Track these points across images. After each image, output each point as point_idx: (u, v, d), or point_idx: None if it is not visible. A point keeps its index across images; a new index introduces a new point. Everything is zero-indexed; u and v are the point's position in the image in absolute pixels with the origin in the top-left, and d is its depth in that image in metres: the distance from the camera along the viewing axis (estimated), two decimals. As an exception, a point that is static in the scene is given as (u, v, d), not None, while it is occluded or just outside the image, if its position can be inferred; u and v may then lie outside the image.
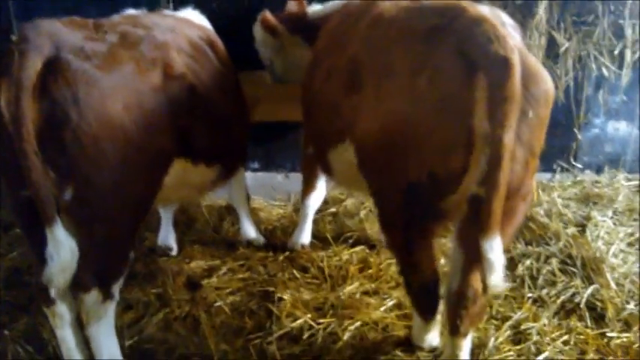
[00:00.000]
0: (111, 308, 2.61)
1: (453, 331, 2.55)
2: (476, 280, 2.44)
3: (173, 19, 3.25)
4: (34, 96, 2.21)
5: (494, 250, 2.15)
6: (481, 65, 2.11)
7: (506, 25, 2.37)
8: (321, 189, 3.95)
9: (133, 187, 2.55)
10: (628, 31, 4.48)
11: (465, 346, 2.61)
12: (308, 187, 3.92)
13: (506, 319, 3.10)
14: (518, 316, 3.11)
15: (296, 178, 4.80)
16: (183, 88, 2.78)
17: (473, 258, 2.33)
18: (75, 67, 2.32)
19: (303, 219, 4.00)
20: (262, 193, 4.71)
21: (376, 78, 2.45)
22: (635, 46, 4.54)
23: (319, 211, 4.48)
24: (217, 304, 3.26)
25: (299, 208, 4.58)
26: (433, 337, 2.87)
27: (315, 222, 4.33)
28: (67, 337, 2.61)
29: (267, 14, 3.85)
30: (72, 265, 2.26)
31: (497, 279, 2.17)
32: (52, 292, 2.51)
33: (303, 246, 3.97)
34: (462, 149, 2.19)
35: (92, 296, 2.50)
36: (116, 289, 2.61)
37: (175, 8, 4.15)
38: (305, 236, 4.00)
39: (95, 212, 2.43)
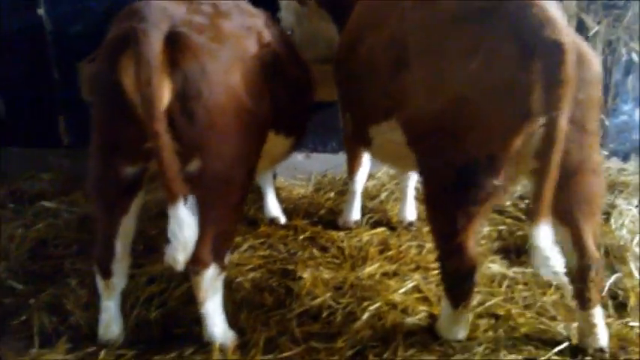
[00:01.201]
0: (221, 281, 2.68)
1: (584, 304, 2.58)
2: (592, 249, 2.50)
3: None
4: (165, 72, 2.24)
5: (542, 238, 2.17)
6: (536, 49, 2.14)
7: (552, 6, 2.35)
8: (366, 164, 3.94)
9: (250, 155, 2.64)
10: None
11: (599, 314, 2.62)
12: (354, 163, 3.90)
13: (528, 306, 3.08)
14: (541, 302, 3.09)
15: (317, 158, 4.85)
16: (270, 56, 2.81)
17: (577, 229, 2.43)
18: (196, 40, 2.35)
19: (352, 196, 3.99)
20: (283, 172, 4.72)
21: (425, 58, 2.45)
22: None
23: (340, 192, 4.50)
24: (238, 279, 3.29)
25: (319, 188, 4.62)
26: (460, 330, 2.81)
27: (335, 202, 4.35)
28: (112, 307, 2.74)
29: None
30: (193, 242, 2.29)
31: (546, 270, 2.20)
32: (112, 266, 2.63)
33: (356, 223, 3.97)
34: (519, 130, 2.24)
35: (211, 271, 2.56)
36: (227, 260, 2.68)
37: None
38: (356, 213, 4.00)
39: (221, 182, 2.49)
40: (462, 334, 2.81)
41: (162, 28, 2.26)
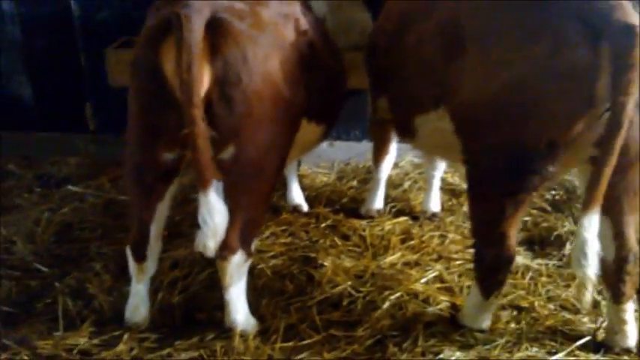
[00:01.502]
0: (247, 267, 2.71)
1: (618, 298, 2.55)
2: (633, 241, 2.47)
3: None
4: (206, 58, 2.26)
5: (590, 229, 2.16)
6: (605, 32, 2.09)
7: None
8: (392, 153, 3.91)
9: (284, 144, 2.66)
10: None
11: (631, 309, 2.60)
12: (381, 152, 3.87)
13: (550, 298, 3.05)
14: (565, 294, 3.05)
15: (340, 147, 4.82)
16: (307, 43, 2.81)
17: (619, 221, 2.40)
18: (238, 27, 2.36)
19: (376, 184, 3.97)
20: (306, 160, 4.71)
21: (483, 44, 2.41)
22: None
23: (363, 180, 4.48)
24: (260, 266, 3.31)
25: (342, 177, 4.60)
26: (485, 319, 2.79)
27: (358, 190, 4.33)
28: (142, 291, 2.78)
29: None
30: (223, 229, 2.31)
31: (589, 268, 2.18)
32: (146, 250, 2.68)
33: (378, 211, 3.97)
34: (582, 116, 2.20)
35: (238, 257, 2.59)
36: (253, 246, 2.70)
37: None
38: (379, 202, 3.99)
39: (254, 170, 2.51)
40: (486, 323, 2.80)
41: (204, 14, 2.26)
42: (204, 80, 2.27)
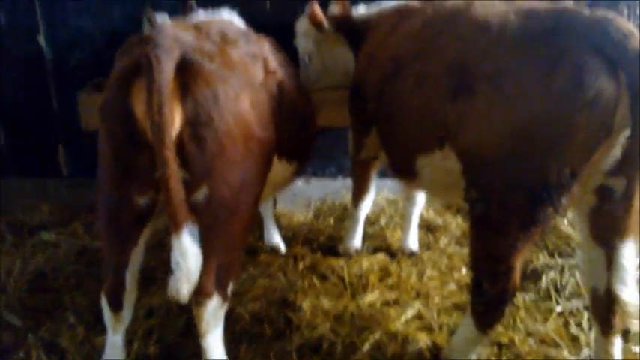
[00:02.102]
0: (224, 311, 2.64)
1: (606, 330, 2.54)
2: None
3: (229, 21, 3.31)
4: (176, 99, 2.26)
5: (628, 256, 2.20)
6: (620, 61, 2.17)
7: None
8: (372, 192, 3.93)
9: (256, 182, 2.63)
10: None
11: (618, 342, 2.59)
12: (361, 191, 3.88)
13: (530, 333, 3.06)
14: (545, 329, 3.07)
15: (316, 184, 4.84)
16: (275, 82, 2.84)
17: (615, 250, 2.39)
18: (208, 67, 2.37)
19: (355, 223, 3.97)
20: (283, 199, 4.71)
21: (495, 82, 2.43)
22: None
23: (339, 218, 4.49)
24: (237, 310, 3.26)
25: (319, 215, 4.60)
26: (474, 353, 2.79)
27: (335, 229, 4.33)
28: (118, 342, 2.68)
29: (316, 7, 3.84)
30: (197, 272, 2.26)
31: (631, 293, 2.22)
32: (123, 298, 2.58)
33: (357, 250, 3.96)
34: (602, 145, 2.24)
35: (214, 301, 2.52)
36: (230, 290, 2.64)
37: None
38: (358, 240, 3.99)
39: (227, 210, 2.47)
40: (474, 356, 2.80)
41: (174, 55, 2.26)
42: (175, 121, 2.26)
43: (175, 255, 2.21)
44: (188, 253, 2.21)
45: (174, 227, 2.20)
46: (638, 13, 4.40)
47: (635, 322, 2.36)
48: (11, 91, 4.86)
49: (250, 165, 2.54)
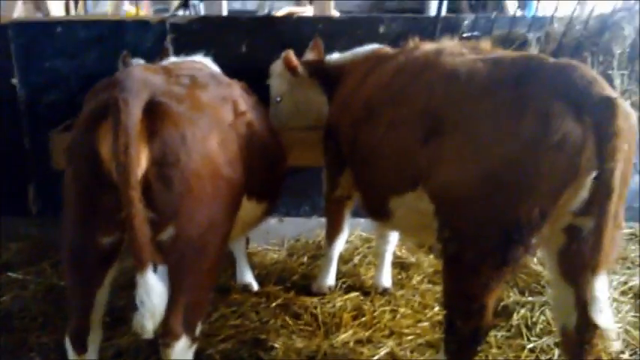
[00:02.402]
0: (192, 353, 2.59)
1: None
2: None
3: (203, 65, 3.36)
4: (143, 140, 2.27)
5: (602, 288, 2.24)
6: (585, 106, 2.25)
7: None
8: (346, 231, 3.95)
9: (224, 221, 2.62)
10: (617, 82, 4.56)
11: None
12: (334, 230, 3.91)
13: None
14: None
15: (290, 223, 4.84)
16: (245, 124, 2.87)
17: (582, 289, 2.41)
18: (176, 109, 2.40)
19: (328, 261, 3.98)
20: (256, 237, 4.70)
21: (464, 127, 2.51)
22: (624, 95, 4.62)
23: (313, 257, 4.49)
24: (208, 351, 3.22)
25: (292, 253, 4.60)
26: None
27: (309, 267, 4.33)
28: None
29: (291, 53, 3.96)
30: (161, 310, 2.23)
31: (608, 319, 2.25)
32: (87, 341, 2.53)
33: (330, 288, 3.96)
34: (569, 186, 2.31)
35: (182, 342, 2.48)
36: (198, 330, 2.59)
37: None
38: (331, 278, 3.99)
39: (194, 250, 2.45)
40: None
41: (142, 97, 2.29)
42: (141, 161, 2.27)
43: (140, 293, 2.19)
44: (153, 290, 2.20)
45: (138, 265, 2.20)
46: (601, 59, 4.59)
47: (616, 343, 2.40)
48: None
49: (218, 204, 2.55)
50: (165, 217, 2.36)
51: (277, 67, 4.14)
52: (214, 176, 2.50)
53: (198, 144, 2.42)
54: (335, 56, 4.05)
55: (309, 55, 4.19)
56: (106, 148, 2.28)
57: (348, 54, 3.94)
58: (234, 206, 2.74)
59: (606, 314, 2.26)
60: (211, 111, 2.62)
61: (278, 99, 4.17)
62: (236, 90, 3.02)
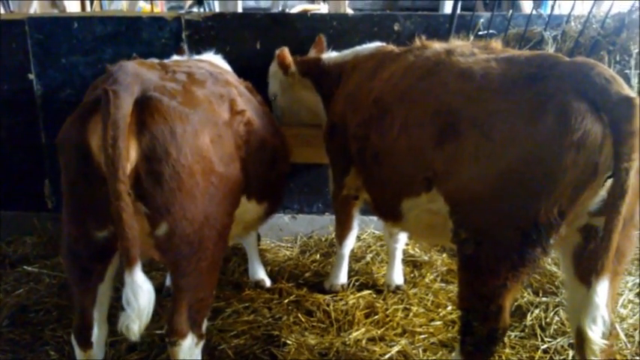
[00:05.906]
0: (199, 350, 2.59)
1: None
2: (609, 311, 2.42)
3: (209, 64, 3.33)
4: (132, 134, 2.26)
5: (602, 294, 2.22)
6: (604, 104, 2.23)
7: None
8: (355, 228, 3.95)
9: (220, 218, 2.59)
10: (634, 81, 4.52)
11: None
12: (344, 228, 3.92)
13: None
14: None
15: (303, 220, 4.85)
16: (243, 123, 2.85)
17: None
18: (167, 104, 2.38)
19: (340, 259, 3.99)
20: (269, 234, 4.72)
21: (481, 127, 2.47)
22: (642, 93, 4.58)
23: (325, 254, 4.49)
24: (221, 347, 3.23)
25: (305, 250, 4.61)
26: None
27: (321, 264, 4.33)
28: None
29: (285, 51, 3.97)
30: (149, 309, 2.20)
31: (597, 333, 2.22)
32: (91, 337, 2.52)
33: (343, 287, 3.97)
34: (589, 185, 2.29)
35: (188, 341, 2.48)
36: (204, 327, 2.59)
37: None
38: (343, 276, 4.00)
39: (190, 246, 2.44)
40: None
41: (133, 91, 2.29)
42: (130, 155, 2.25)
43: (127, 292, 2.15)
44: (140, 290, 2.16)
45: (126, 263, 2.16)
46: (618, 58, 4.55)
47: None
48: (0, 126, 4.88)
49: (213, 201, 2.51)
50: (159, 213, 2.34)
51: (273, 66, 4.17)
52: (207, 172, 2.47)
53: (189, 139, 2.40)
54: (333, 54, 4.03)
55: (312, 53, 4.18)
56: (95, 141, 2.26)
57: (348, 52, 3.91)
58: (231, 203, 2.71)
59: (598, 326, 2.22)
60: (206, 107, 2.60)
61: (273, 97, 4.21)
62: (234, 89, 2.97)
